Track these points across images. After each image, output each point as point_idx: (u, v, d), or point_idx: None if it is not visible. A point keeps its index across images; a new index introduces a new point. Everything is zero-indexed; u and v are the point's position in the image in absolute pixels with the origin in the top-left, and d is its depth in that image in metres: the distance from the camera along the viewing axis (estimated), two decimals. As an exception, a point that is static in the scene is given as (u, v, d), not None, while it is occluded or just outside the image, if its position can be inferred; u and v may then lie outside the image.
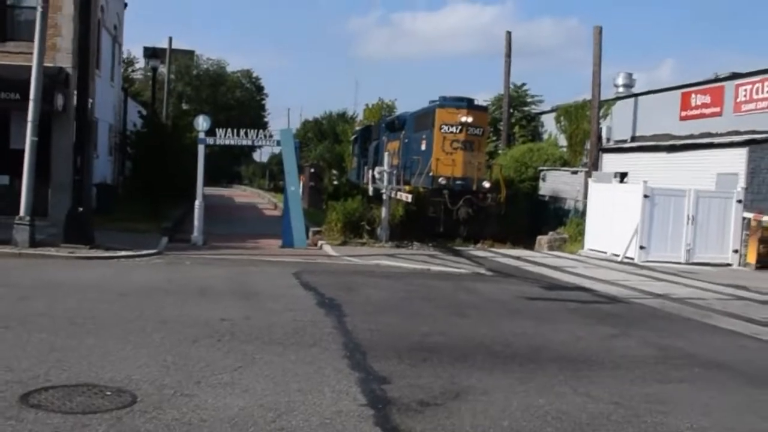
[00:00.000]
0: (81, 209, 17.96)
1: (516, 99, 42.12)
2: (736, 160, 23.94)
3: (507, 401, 6.48)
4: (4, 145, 21.50)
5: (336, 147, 66.38)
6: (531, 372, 7.63)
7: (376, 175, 24.26)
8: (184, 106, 66.82)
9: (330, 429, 5.52)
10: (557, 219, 30.59)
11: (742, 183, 23.33)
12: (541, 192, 33.74)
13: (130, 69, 65.21)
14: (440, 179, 26.39)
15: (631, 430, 5.89)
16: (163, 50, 41.91)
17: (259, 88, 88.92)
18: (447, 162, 26.85)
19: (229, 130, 21.67)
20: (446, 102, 27.92)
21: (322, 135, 76.40)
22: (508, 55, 39.74)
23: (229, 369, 7.00)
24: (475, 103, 29.10)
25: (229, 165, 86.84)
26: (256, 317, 9.87)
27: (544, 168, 34.09)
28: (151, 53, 30.97)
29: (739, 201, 22.91)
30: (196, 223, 21.17)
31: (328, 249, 21.12)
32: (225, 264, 16.74)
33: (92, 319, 9.15)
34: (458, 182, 26.80)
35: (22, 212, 17.30)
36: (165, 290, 11.93)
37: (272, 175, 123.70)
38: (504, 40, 40.30)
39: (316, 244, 22.19)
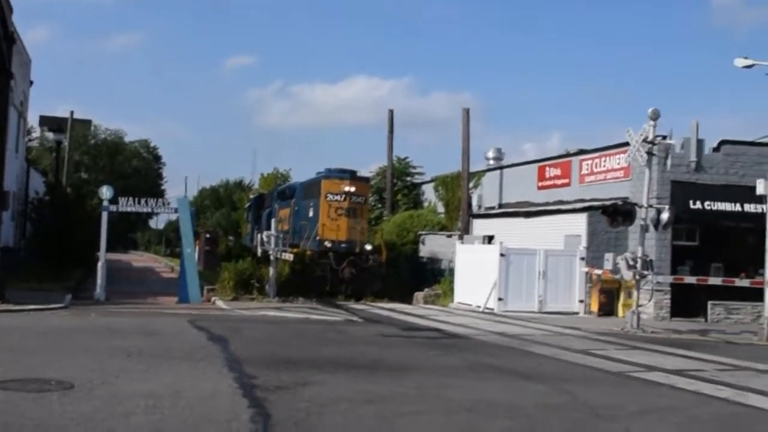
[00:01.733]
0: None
1: (399, 170, 45.77)
2: (579, 224, 27.79)
3: (339, 387, 9.28)
4: None
5: (232, 214, 68.57)
6: (364, 374, 10.48)
7: (264, 239, 26.89)
8: (83, 175, 67.91)
9: (213, 398, 8.18)
10: (434, 277, 33.73)
11: (584, 243, 27.09)
12: (421, 254, 37.01)
13: (26, 138, 66.11)
14: (326, 242, 28.84)
15: (415, 400, 8.77)
16: (61, 119, 43.70)
17: (157, 158, 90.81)
18: (332, 227, 29.34)
19: (131, 198, 24.06)
20: (331, 173, 30.80)
21: (219, 203, 78.45)
22: (391, 131, 43.50)
23: (139, 371, 9.59)
24: (358, 174, 32.24)
25: (126, 232, 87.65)
26: (159, 345, 12.44)
27: (423, 232, 37.44)
28: (56, 128, 33.04)
29: (582, 258, 26.55)
30: (99, 281, 23.27)
31: (220, 303, 23.56)
32: (127, 315, 19.03)
33: (26, 347, 11.51)
34: (343, 245, 29.21)
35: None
36: (80, 330, 14.32)
37: (168, 242, 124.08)
38: (394, 115, 44.12)
39: (209, 300, 24.55)
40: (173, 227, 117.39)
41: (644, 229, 21.81)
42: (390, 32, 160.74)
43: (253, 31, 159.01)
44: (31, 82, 33.21)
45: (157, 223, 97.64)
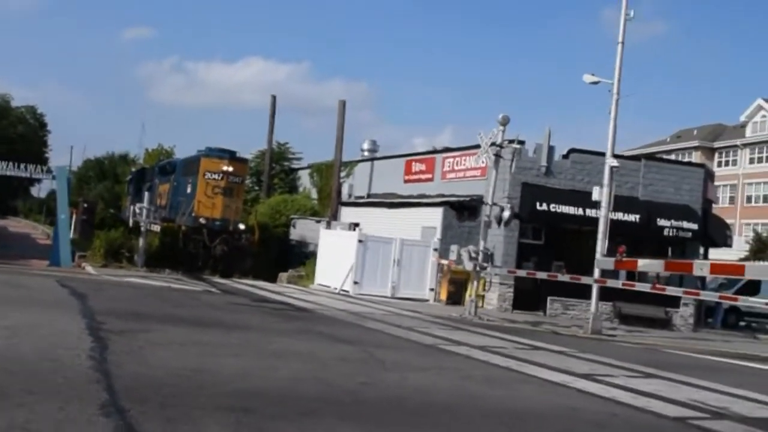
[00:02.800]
0: None
1: (278, 154, 47.24)
2: (436, 217, 30.08)
3: (175, 335, 10.90)
4: None
5: (115, 187, 68.37)
6: (201, 328, 12.12)
7: (137, 210, 27.98)
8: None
9: (64, 333, 9.65)
10: (301, 260, 35.42)
11: (438, 235, 29.36)
12: (291, 237, 38.68)
13: None
14: (201, 219, 30.16)
15: (236, 347, 10.46)
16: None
17: (43, 125, 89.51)
18: (208, 204, 30.60)
19: (9, 162, 24.75)
20: (211, 152, 31.91)
21: (103, 174, 77.77)
22: (272, 116, 44.98)
23: (2, 311, 10.93)
24: (237, 155, 33.36)
25: (6, 198, 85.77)
26: (23, 295, 13.77)
27: (295, 216, 39.09)
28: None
29: (435, 249, 28.79)
30: (-32, 241, 23.91)
31: (89, 269, 24.61)
32: (-7, 272, 19.96)
33: None
34: (217, 223, 30.59)
35: None
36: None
37: (50, 211, 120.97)
38: (278, 100, 45.53)
39: (80, 266, 25.54)
40: (55, 197, 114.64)
41: (487, 224, 24.11)
42: (291, 15, 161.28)
43: (153, 3, 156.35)
44: None
45: (39, 191, 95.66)
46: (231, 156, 32.20)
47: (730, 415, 8.91)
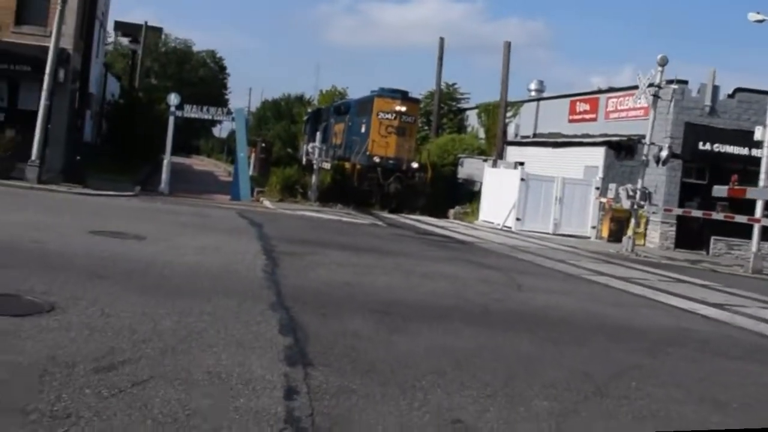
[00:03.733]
0: (78, 158, 23.51)
1: (446, 95, 48.18)
2: (597, 157, 30.24)
3: (335, 257, 12.43)
4: (14, 106, 26.84)
5: (291, 127, 71.82)
6: (359, 253, 13.62)
7: (309, 149, 29.99)
8: (153, 81, 71.68)
9: (243, 253, 11.38)
10: (468, 198, 36.55)
11: (600, 174, 29.58)
12: (459, 175, 39.77)
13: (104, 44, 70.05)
14: (375, 158, 30.56)
15: (388, 269, 11.82)
16: (134, 26, 47.00)
17: (222, 68, 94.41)
18: (382, 144, 30.99)
19: (195, 105, 27.30)
20: (384, 92, 32.14)
21: (280, 115, 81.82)
22: (441, 57, 45.75)
23: (191, 234, 12.92)
24: (409, 95, 33.63)
25: (190, 138, 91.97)
26: (208, 223, 15.79)
27: (462, 156, 40.13)
28: (131, 36, 36.42)
29: (597, 188, 29.09)
30: (164, 176, 26.70)
31: (267, 203, 26.87)
32: (186, 204, 22.42)
33: (107, 216, 14.91)
34: (390, 161, 30.93)
35: (33, 157, 22.67)
36: (148, 209, 17.78)
37: (230, 150, 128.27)
38: (445, 42, 46.32)
39: (258, 200, 27.87)
40: (235, 136, 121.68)
41: (645, 164, 24.26)
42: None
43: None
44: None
45: (221, 131, 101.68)
46: (403, 96, 32.33)
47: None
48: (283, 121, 76.93)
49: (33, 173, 22.38)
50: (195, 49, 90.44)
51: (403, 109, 31.54)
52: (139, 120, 32.02)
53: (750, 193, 19.92)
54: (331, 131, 37.92)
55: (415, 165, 31.90)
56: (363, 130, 32.33)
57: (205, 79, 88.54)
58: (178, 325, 6.29)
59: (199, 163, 72.21)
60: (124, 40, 43.30)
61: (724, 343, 8.66)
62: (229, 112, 29.70)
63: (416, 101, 35.59)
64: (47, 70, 22.78)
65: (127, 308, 6.63)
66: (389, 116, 31.32)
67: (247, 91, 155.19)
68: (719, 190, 20.90)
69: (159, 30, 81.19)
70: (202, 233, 13.58)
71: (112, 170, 29.26)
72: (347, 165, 31.17)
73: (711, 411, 5.64)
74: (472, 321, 8.13)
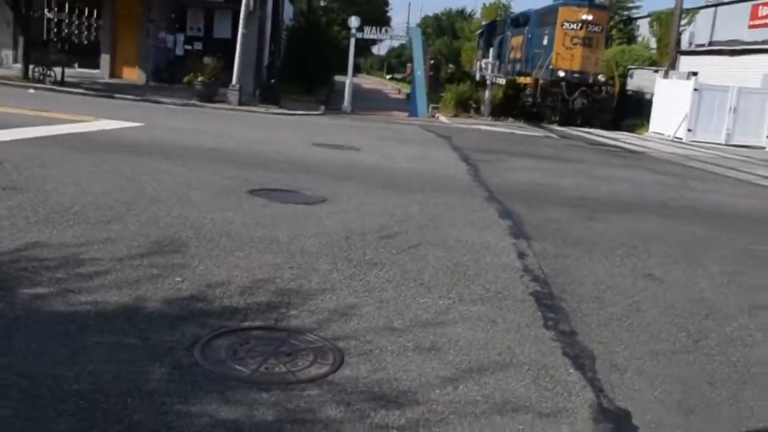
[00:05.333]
0: (272, 81, 26.01)
1: (616, 4, 47.59)
2: (778, 64, 29.82)
3: (521, 163, 14.03)
4: (210, 35, 29.66)
5: (454, 43, 72.51)
6: (540, 160, 15.14)
7: (482, 65, 31.25)
8: (321, 2, 74.14)
9: (447, 160, 13.18)
10: (638, 110, 36.75)
11: (780, 82, 29.24)
12: (628, 87, 39.79)
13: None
14: (559, 72, 29.25)
15: (568, 172, 13.30)
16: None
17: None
18: (566, 56, 29.54)
19: (374, 27, 29.12)
20: (569, 1, 30.40)
21: (441, 31, 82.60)
22: (609, -35, 45.11)
23: (394, 145, 14.88)
24: (596, 1, 31.89)
25: (346, 55, 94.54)
26: (401, 137, 17.78)
27: (632, 67, 40.04)
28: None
29: (775, 97, 28.84)
30: (346, 95, 28.89)
31: (443, 119, 28.59)
32: (371, 121, 24.50)
33: (315, 131, 17.11)
34: (575, 75, 29.59)
35: (234, 81, 25.28)
36: (342, 125, 20.02)
37: (390, 67, 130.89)
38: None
39: (434, 116, 29.62)
40: (395, 54, 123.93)
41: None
42: None
43: None
44: None
45: (379, 49, 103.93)
46: (590, 3, 30.54)
47: None
48: (444, 37, 77.59)
49: (234, 96, 24.93)
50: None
51: (590, 17, 29.90)
52: (316, 43, 34.16)
53: None
54: (507, 45, 37.13)
55: (602, 78, 30.72)
56: (545, 42, 30.91)
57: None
58: (422, 210, 8.17)
59: (366, 81, 74.81)
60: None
61: None
62: (403, 32, 31.30)
63: (604, 8, 33.65)
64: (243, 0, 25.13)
65: (379, 200, 8.58)
66: (575, 26, 29.78)
67: (406, 6, 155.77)
68: None
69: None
70: (402, 145, 15.50)
71: (297, 92, 31.71)
72: (528, 80, 30.57)
73: None
74: (653, 212, 9.59)
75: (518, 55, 33.65)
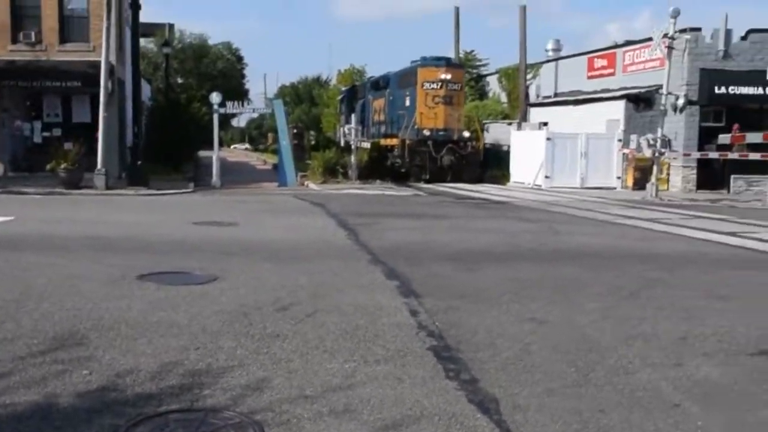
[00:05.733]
0: (138, 162, 25.74)
1: (466, 63, 49.85)
2: (618, 110, 32.01)
3: (397, 224, 14.52)
4: (68, 120, 29.10)
5: (312, 109, 73.59)
6: (415, 219, 15.71)
7: (346, 131, 31.98)
8: (179, 80, 73.77)
9: (324, 227, 13.49)
10: (498, 162, 38.37)
11: (622, 127, 31.36)
12: (486, 141, 41.59)
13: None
14: (424, 131, 30.07)
15: (445, 228, 13.89)
16: (149, 26, 48.67)
17: (240, 58, 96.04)
18: (430, 116, 30.26)
19: (236, 101, 29.42)
20: (427, 61, 31.20)
21: (299, 99, 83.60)
22: (457, 26, 47.53)
23: (271, 217, 15.07)
24: (452, 61, 33.11)
25: (211, 130, 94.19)
26: (277, 208, 17.99)
27: (487, 121, 41.93)
28: (163, 42, 38.62)
29: (619, 140, 30.87)
30: (214, 171, 28.87)
31: (312, 186, 29.00)
32: (243, 194, 24.62)
33: (192, 209, 17.08)
34: (441, 133, 30.36)
35: (99, 165, 24.83)
36: (218, 202, 20.00)
37: (251, 138, 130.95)
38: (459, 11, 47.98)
39: (303, 184, 30.00)
40: (255, 125, 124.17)
41: (664, 113, 26.04)
42: None
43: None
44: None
45: (239, 121, 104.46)
46: (448, 63, 31.61)
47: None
48: (302, 105, 78.59)
49: (101, 181, 24.42)
50: (210, 42, 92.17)
51: (449, 76, 30.80)
52: (178, 120, 34.11)
53: (749, 138, 21.79)
54: (369, 108, 37.77)
55: (466, 134, 31.57)
56: (408, 103, 31.65)
57: (224, 71, 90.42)
58: (311, 279, 8.42)
59: (231, 154, 74.58)
60: (142, 40, 45.17)
61: (731, 260, 10.67)
62: (266, 104, 31.74)
63: (460, 67, 34.79)
64: (102, 83, 24.87)
65: (268, 273, 8.77)
66: (435, 86, 30.54)
67: (261, 77, 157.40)
68: (723, 138, 22.59)
69: (171, 26, 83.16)
70: (279, 216, 15.74)
71: (163, 171, 31.34)
72: (395, 141, 31.12)
73: (714, 301, 7.68)
74: (526, 259, 10.20)
75: (382, 118, 34.30)
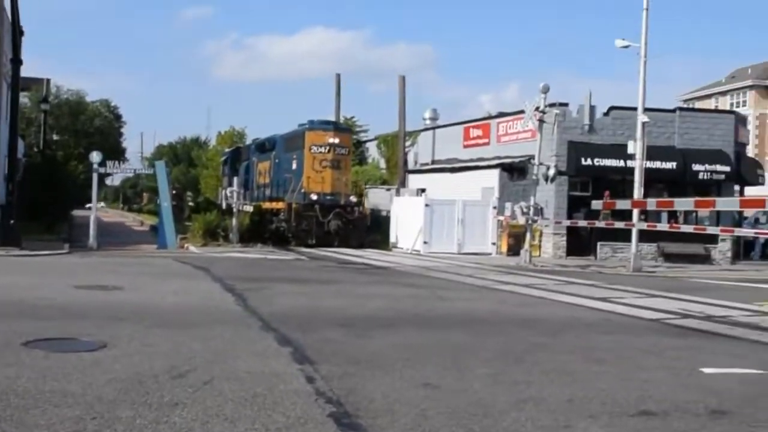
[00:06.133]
0: (12, 222, 24.77)
1: (346, 129, 50.82)
2: (493, 178, 33.34)
3: (285, 289, 14.59)
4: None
5: (191, 170, 72.78)
6: (302, 284, 15.82)
7: (228, 194, 31.87)
8: (55, 137, 71.54)
9: (211, 292, 13.39)
10: (378, 227, 38.97)
11: (496, 194, 32.61)
12: (366, 206, 42.24)
13: None
14: (312, 195, 30.32)
15: (333, 294, 14.07)
16: (28, 80, 47.44)
17: (118, 116, 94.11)
18: (317, 179, 30.56)
19: (116, 161, 28.91)
20: (315, 125, 31.78)
21: (177, 159, 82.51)
22: (338, 93, 48.45)
23: (159, 281, 14.82)
24: (340, 125, 33.52)
25: (84, 189, 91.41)
26: (161, 271, 17.71)
27: (367, 186, 42.66)
28: (42, 98, 37.58)
29: (494, 207, 32.06)
30: (91, 231, 28.08)
31: (193, 248, 28.64)
32: (122, 256, 24.07)
33: (73, 272, 16.58)
34: (328, 197, 30.68)
35: (-32, 226, 23.84)
36: (98, 264, 19.46)
37: (126, 198, 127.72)
38: (343, 76, 48.92)
39: (183, 247, 29.56)
40: (130, 184, 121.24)
41: (536, 182, 27.32)
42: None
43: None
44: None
45: (113, 180, 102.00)
46: (335, 127, 32.08)
47: (696, 315, 12.19)
48: (180, 165, 77.59)
49: (-30, 242, 23.49)
50: (88, 99, 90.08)
51: (336, 140, 31.17)
52: (54, 179, 33.17)
53: (619, 204, 23.28)
54: (254, 170, 37.48)
55: (353, 199, 31.84)
56: (294, 166, 31.72)
57: (101, 128, 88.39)
58: (205, 346, 8.39)
59: (105, 214, 72.41)
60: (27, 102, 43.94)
61: (604, 324, 11.33)
62: (152, 166, 31.27)
63: (348, 131, 35.15)
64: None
65: (159, 339, 8.67)
66: (323, 149, 30.75)
67: (138, 135, 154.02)
68: (596, 204, 23.92)
69: (46, 81, 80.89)
70: (164, 280, 15.49)
71: (36, 230, 30.30)
72: (281, 204, 30.93)
73: (593, 364, 8.15)
74: (413, 325, 10.50)
75: (267, 180, 34.06)
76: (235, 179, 33.41)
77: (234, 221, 30.89)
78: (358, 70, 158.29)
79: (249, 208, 32.41)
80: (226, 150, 49.96)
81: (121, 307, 11.11)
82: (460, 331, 10.21)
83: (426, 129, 45.09)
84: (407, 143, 42.30)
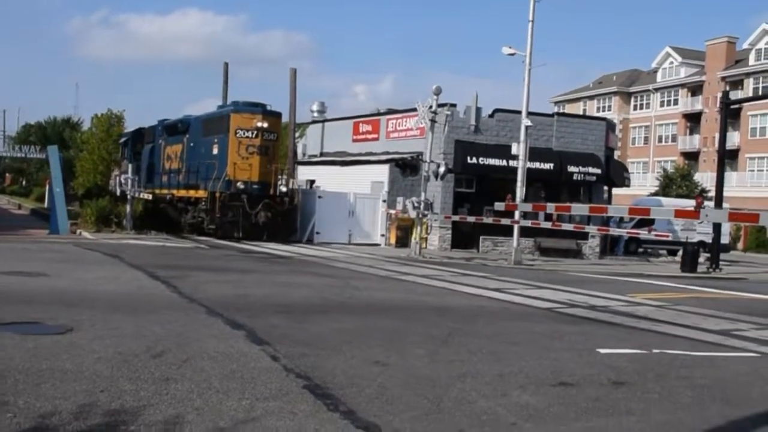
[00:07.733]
0: None
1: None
2: (383, 173, 34.68)
3: (209, 277, 15.37)
4: None
5: (64, 152, 70.70)
6: (221, 272, 16.61)
7: (122, 181, 31.80)
8: None
9: (139, 280, 14.02)
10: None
11: (386, 188, 33.99)
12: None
13: None
14: (238, 183, 27.72)
15: (256, 282, 14.98)
16: None
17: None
18: (244, 166, 27.85)
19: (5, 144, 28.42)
20: (240, 107, 28.97)
21: (47, 140, 79.81)
22: (226, 81, 48.40)
23: (81, 269, 15.26)
24: (269, 108, 29.68)
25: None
26: (75, 258, 18.04)
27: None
28: None
29: (384, 201, 33.45)
30: (-20, 216, 27.69)
31: (86, 234, 28.57)
32: (20, 242, 23.91)
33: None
34: (255, 186, 28.09)
35: None
36: (1, 249, 19.50)
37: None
38: (227, 62, 48.92)
39: (75, 233, 29.44)
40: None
41: (426, 179, 28.80)
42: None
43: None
44: None
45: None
46: (264, 110, 28.91)
47: (582, 305, 13.89)
48: (52, 147, 75.16)
49: None
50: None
51: (265, 125, 28.57)
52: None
53: (520, 206, 25.30)
54: (161, 154, 34.99)
55: (284, 188, 29.70)
56: (216, 151, 29.05)
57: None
58: (165, 329, 9.22)
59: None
60: None
61: (506, 313, 12.84)
62: (39, 150, 30.94)
63: (278, 115, 31.29)
64: None
65: (121, 323, 9.43)
66: (249, 134, 28.11)
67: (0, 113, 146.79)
68: (499, 206, 25.67)
69: None
70: (82, 266, 15.93)
71: None
72: (201, 193, 28.99)
73: (510, 346, 9.54)
74: (343, 312, 11.64)
75: (179, 166, 31.94)
76: (130, 166, 33.09)
77: (128, 208, 30.91)
78: (232, 54, 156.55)
79: (147, 196, 32.22)
80: (126, 131, 47.21)
81: (62, 293, 11.68)
82: (385, 317, 11.42)
83: (315, 122, 46.05)
84: (296, 135, 43.09)
